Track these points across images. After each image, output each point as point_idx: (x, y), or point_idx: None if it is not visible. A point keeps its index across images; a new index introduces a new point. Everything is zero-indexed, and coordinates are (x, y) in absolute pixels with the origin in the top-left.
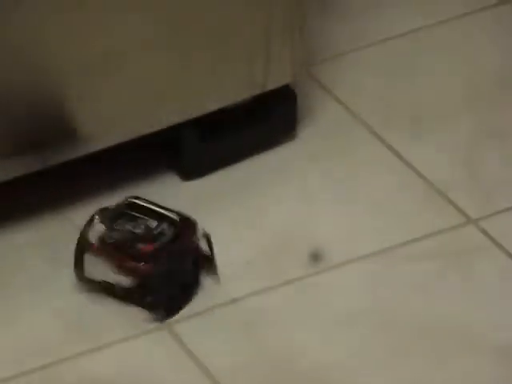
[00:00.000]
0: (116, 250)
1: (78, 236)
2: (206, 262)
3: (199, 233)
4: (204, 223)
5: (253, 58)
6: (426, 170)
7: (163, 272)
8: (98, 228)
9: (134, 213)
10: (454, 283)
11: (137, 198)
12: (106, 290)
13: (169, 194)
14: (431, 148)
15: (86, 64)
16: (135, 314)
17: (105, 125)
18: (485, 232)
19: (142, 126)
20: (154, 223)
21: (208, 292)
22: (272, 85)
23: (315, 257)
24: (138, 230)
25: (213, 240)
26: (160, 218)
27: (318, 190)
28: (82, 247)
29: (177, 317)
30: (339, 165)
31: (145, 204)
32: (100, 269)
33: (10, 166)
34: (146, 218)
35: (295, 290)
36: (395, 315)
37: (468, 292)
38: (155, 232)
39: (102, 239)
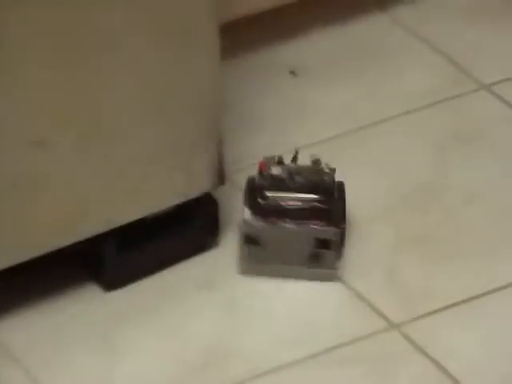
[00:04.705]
0: None
1: None
2: None
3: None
4: (127, 335)
5: (175, 169)
6: (348, 277)
7: None
8: None
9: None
10: None
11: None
12: None
13: (89, 306)
14: (351, 254)
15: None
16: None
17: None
18: (407, 337)
19: (64, 237)
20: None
21: None
22: (194, 193)
23: None
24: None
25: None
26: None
27: (242, 300)
28: None
29: None
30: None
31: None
32: None
33: None
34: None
35: None
36: None
37: None
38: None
39: None
